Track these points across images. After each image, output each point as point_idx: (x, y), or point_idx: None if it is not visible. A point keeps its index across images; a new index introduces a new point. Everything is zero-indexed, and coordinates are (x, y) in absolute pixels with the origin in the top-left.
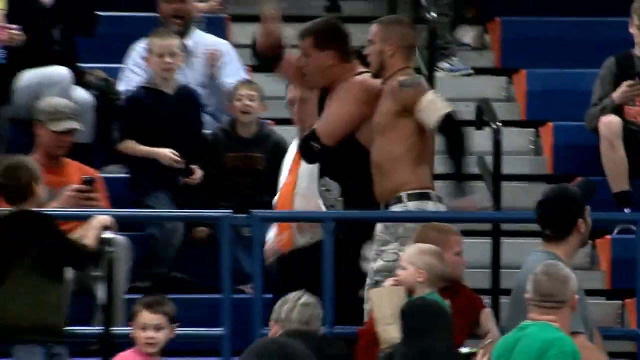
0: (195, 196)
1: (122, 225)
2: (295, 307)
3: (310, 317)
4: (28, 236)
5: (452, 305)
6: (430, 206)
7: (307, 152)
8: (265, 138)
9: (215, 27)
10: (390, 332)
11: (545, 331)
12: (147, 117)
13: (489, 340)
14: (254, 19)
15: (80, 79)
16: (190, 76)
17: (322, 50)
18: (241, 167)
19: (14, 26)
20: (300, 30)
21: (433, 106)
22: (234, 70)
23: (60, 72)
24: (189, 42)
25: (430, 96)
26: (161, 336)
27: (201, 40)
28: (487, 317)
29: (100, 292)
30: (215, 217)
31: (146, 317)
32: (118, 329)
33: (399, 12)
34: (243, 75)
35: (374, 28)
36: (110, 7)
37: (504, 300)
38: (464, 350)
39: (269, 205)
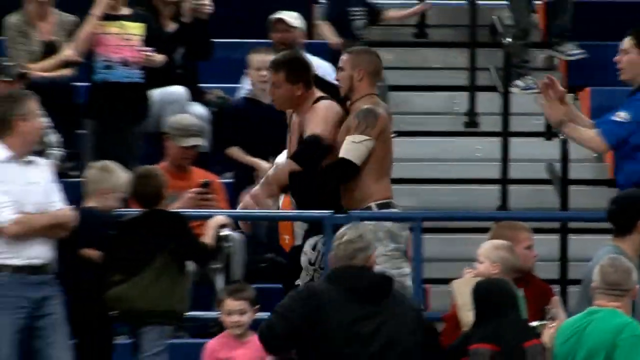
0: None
1: (236, 223)
2: (340, 245)
3: (354, 252)
4: (163, 232)
5: (525, 293)
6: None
7: (314, 147)
8: None
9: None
10: (471, 316)
11: (616, 316)
12: (245, 123)
13: (553, 309)
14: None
15: (201, 97)
16: None
17: (293, 83)
18: None
19: (149, 49)
20: (272, 63)
21: (346, 145)
22: None
23: (178, 91)
24: None
25: (355, 138)
26: (245, 319)
27: None
28: (555, 303)
29: (219, 281)
30: (317, 217)
31: (230, 304)
32: None
33: (479, 37)
34: None
35: (344, 57)
36: (229, 34)
37: (571, 289)
38: (533, 323)
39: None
